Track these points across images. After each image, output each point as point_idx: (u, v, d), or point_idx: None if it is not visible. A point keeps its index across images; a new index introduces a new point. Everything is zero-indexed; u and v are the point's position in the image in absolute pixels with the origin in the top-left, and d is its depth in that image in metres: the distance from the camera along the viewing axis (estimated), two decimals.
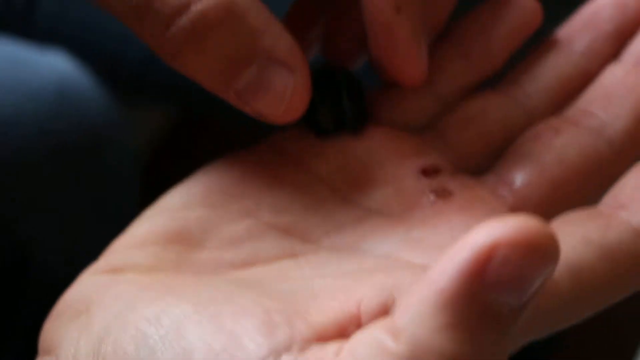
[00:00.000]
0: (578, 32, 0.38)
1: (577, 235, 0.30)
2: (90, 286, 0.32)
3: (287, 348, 0.27)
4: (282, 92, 0.33)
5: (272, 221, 0.34)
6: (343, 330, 0.27)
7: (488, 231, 0.24)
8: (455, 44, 0.38)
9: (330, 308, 0.28)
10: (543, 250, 0.24)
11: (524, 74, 0.38)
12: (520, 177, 0.35)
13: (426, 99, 0.37)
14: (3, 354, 0.59)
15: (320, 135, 0.35)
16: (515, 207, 0.34)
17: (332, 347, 0.26)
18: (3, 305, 0.59)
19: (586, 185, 0.35)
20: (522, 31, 0.38)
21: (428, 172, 0.36)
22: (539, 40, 0.39)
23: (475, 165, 0.37)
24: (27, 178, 0.60)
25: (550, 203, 0.35)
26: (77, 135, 0.62)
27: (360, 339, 0.26)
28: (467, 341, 0.25)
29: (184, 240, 0.33)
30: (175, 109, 1.13)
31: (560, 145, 0.35)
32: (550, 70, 0.38)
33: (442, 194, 0.34)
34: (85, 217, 0.63)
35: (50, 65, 0.63)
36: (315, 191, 0.35)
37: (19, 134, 0.60)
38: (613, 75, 0.37)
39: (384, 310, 0.28)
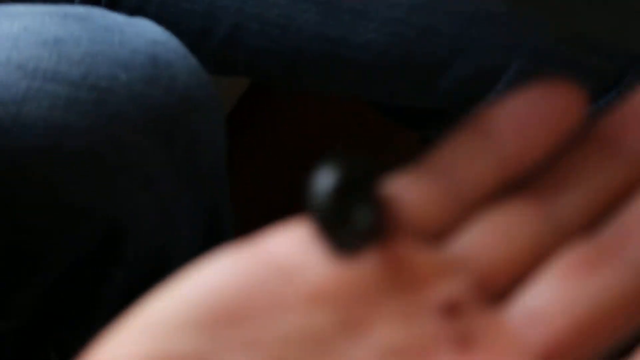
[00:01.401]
0: (628, 128, 0.32)
1: None
2: None
3: None
4: None
5: (277, 356, 0.29)
6: None
7: None
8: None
9: None
10: None
11: (560, 178, 0.32)
12: (547, 312, 0.30)
13: (446, 200, 0.31)
14: (99, 320, 0.60)
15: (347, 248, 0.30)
16: (545, 347, 0.29)
17: None
18: (99, 274, 0.61)
19: (622, 325, 0.30)
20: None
21: (449, 311, 0.30)
22: (579, 135, 0.32)
23: (499, 289, 0.31)
24: (121, 145, 0.60)
25: (581, 341, 0.30)
26: (169, 100, 0.63)
27: None
28: None
29: None
30: (240, 83, 1.14)
31: (595, 288, 0.30)
32: (592, 176, 0.31)
33: (464, 342, 0.29)
34: (177, 183, 0.63)
35: (142, 33, 0.64)
36: (326, 318, 0.29)
37: (114, 101, 0.61)
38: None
39: None
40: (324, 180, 0.30)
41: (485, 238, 0.30)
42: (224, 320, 0.29)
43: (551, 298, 0.30)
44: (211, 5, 0.72)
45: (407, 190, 0.30)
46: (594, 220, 0.31)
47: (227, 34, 0.72)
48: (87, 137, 0.61)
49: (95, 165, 0.62)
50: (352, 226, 0.29)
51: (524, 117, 0.31)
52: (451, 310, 0.29)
